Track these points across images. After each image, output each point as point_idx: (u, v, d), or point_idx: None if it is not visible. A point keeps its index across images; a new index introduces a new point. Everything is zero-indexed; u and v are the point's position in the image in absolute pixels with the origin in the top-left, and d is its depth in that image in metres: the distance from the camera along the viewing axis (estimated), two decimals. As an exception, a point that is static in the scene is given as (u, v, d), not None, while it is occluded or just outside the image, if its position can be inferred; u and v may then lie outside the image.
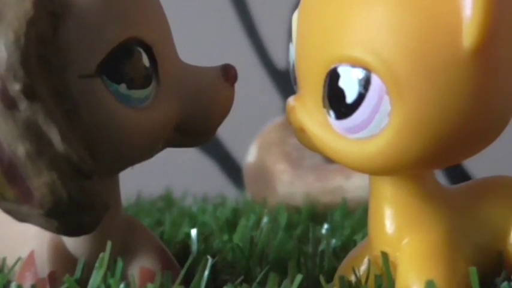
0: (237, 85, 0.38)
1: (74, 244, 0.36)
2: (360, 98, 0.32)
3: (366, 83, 0.32)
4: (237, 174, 0.99)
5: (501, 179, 0.38)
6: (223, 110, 0.36)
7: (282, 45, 1.03)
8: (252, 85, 0.94)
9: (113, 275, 0.35)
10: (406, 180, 0.35)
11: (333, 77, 0.33)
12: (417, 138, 0.32)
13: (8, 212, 0.33)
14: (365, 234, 0.51)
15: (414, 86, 0.31)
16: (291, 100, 0.35)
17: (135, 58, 0.34)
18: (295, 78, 0.36)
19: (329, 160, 0.73)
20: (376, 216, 0.36)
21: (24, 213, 0.32)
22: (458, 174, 0.86)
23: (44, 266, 0.36)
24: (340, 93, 0.33)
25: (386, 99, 0.32)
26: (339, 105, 0.33)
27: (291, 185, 0.74)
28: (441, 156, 0.33)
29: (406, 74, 0.31)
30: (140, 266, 0.37)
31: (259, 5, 1.03)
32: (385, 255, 0.35)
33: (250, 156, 0.79)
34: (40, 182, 0.31)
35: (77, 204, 0.32)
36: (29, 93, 0.31)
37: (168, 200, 0.79)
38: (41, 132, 0.31)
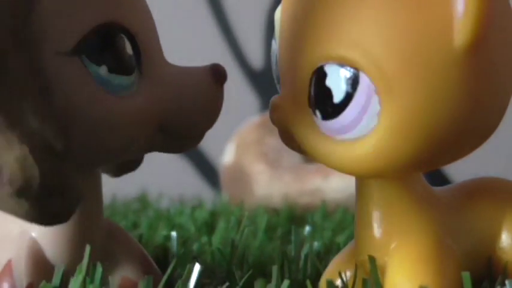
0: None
1: (53, 251, 0.35)
2: (348, 97, 0.31)
3: (354, 83, 0.31)
4: (212, 175, 0.98)
5: (490, 181, 0.37)
6: (210, 111, 0.35)
7: (257, 45, 1.03)
8: (228, 85, 0.94)
9: (92, 281, 0.34)
10: (394, 182, 0.34)
11: (319, 75, 0.32)
12: (407, 139, 0.31)
13: None
14: (347, 237, 0.51)
15: (404, 85, 0.30)
16: (275, 99, 0.34)
17: (117, 43, 0.33)
18: (277, 76, 0.35)
19: (307, 160, 0.73)
20: (363, 220, 0.35)
21: None
22: (435, 176, 0.86)
23: (21, 276, 0.34)
24: (327, 93, 0.32)
25: (375, 99, 0.31)
26: (326, 105, 0.32)
27: (269, 186, 0.73)
28: (432, 158, 0.32)
29: (396, 72, 0.30)
30: (122, 275, 0.36)
31: (235, 4, 1.03)
32: (372, 259, 0.34)
33: (226, 157, 0.78)
34: (10, 156, 0.30)
35: (49, 185, 0.30)
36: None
37: (143, 201, 0.78)
38: (13, 104, 0.30)
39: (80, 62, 0.32)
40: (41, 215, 0.31)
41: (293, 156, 0.73)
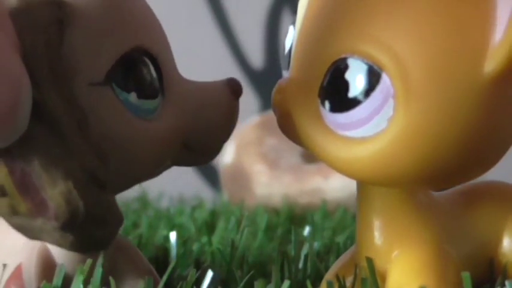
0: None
1: (63, 258, 0.35)
2: (364, 95, 0.31)
3: (374, 81, 0.31)
4: (212, 175, 0.98)
5: (490, 185, 0.37)
6: (229, 124, 0.36)
7: (257, 45, 1.03)
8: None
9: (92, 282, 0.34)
10: (396, 190, 0.34)
11: (339, 66, 0.31)
12: (412, 152, 0.31)
13: (20, 228, 0.32)
14: (347, 236, 0.51)
15: (423, 97, 0.30)
16: (282, 81, 0.33)
17: (143, 67, 0.33)
18: (288, 62, 0.34)
19: (307, 160, 0.73)
20: (364, 227, 0.34)
21: (38, 228, 0.31)
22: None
23: (31, 280, 0.34)
24: (344, 85, 0.31)
25: (391, 102, 0.30)
26: (338, 97, 0.31)
27: (269, 186, 0.73)
28: (433, 177, 0.32)
29: (419, 82, 0.30)
30: None
31: (235, 4, 1.03)
32: (370, 261, 0.33)
33: (226, 157, 0.78)
34: (55, 192, 0.31)
35: (93, 216, 0.31)
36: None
37: (143, 201, 0.78)
38: (53, 140, 0.31)
39: (112, 91, 0.32)
40: (85, 244, 0.32)
41: (293, 157, 0.73)
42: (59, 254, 0.35)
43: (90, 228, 0.32)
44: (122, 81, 0.32)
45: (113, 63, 0.32)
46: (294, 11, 0.35)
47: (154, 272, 0.37)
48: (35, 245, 0.35)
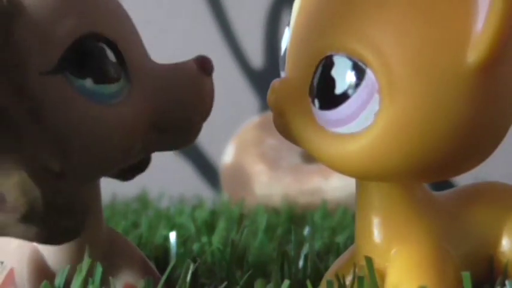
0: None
1: (55, 260, 0.35)
2: (350, 91, 0.31)
3: (359, 77, 0.31)
4: (212, 175, 0.98)
5: (490, 185, 0.37)
6: (201, 102, 0.35)
7: (257, 44, 1.03)
8: (228, 85, 0.94)
9: (92, 282, 0.34)
10: (394, 187, 0.34)
11: (326, 64, 0.32)
12: (400, 145, 0.31)
13: None
14: (347, 236, 0.51)
15: (408, 91, 0.30)
16: (276, 82, 0.34)
17: (98, 52, 0.33)
18: (284, 62, 0.34)
19: (307, 160, 0.73)
20: (363, 225, 0.35)
21: (1, 224, 0.30)
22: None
23: (23, 284, 0.34)
24: (330, 83, 0.32)
25: (376, 97, 0.31)
26: (326, 94, 0.32)
27: (269, 186, 0.73)
28: (423, 170, 0.32)
29: (403, 76, 0.30)
30: (124, 281, 0.36)
31: (235, 4, 1.03)
32: (369, 260, 0.34)
33: (226, 157, 0.78)
34: (10, 183, 0.30)
35: (54, 205, 0.30)
36: None
37: (143, 201, 0.78)
38: (4, 131, 0.30)
39: (64, 78, 0.32)
40: (51, 235, 0.31)
41: (293, 157, 0.73)
42: (50, 256, 0.35)
43: (54, 218, 0.31)
44: (75, 68, 0.32)
45: (64, 50, 0.32)
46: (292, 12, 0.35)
47: (148, 261, 0.37)
48: (26, 248, 0.35)
